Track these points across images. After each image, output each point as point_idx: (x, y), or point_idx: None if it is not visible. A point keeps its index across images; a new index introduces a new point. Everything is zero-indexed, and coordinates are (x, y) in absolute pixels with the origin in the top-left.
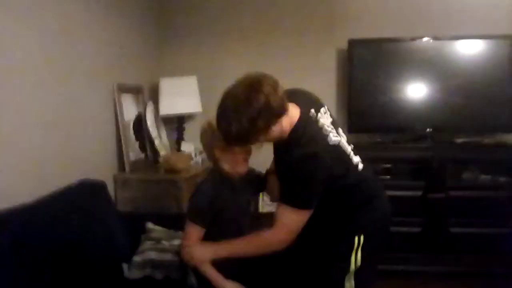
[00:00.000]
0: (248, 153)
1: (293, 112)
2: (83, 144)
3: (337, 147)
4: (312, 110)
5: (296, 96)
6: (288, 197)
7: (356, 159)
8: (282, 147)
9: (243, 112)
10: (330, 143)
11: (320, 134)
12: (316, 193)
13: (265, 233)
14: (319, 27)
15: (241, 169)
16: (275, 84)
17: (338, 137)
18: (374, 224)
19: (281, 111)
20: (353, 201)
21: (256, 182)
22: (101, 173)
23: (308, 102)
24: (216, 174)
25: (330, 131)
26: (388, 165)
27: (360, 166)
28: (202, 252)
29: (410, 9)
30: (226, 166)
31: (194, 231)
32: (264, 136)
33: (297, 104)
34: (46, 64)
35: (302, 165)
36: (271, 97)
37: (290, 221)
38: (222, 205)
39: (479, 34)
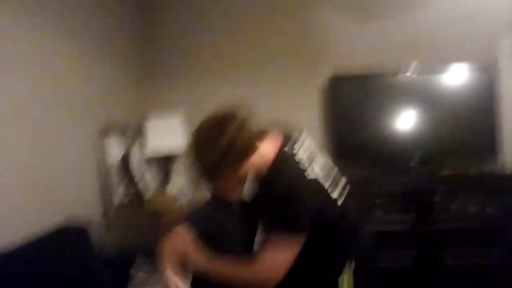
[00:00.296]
0: (240, 178)
1: (269, 148)
2: (67, 187)
3: (316, 182)
4: (295, 134)
5: (275, 125)
6: (274, 225)
7: (335, 194)
8: (261, 183)
9: (206, 152)
10: (308, 177)
11: (298, 168)
12: (302, 217)
13: (250, 262)
14: (303, 63)
15: (233, 195)
16: (244, 122)
17: (323, 157)
18: (357, 254)
19: (249, 150)
20: (334, 234)
21: (253, 214)
22: (85, 216)
23: (289, 129)
24: (214, 199)
25: (314, 156)
26: (376, 199)
27: (340, 200)
28: (195, 252)
29: (392, 41)
30: (219, 193)
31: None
32: (234, 174)
33: (277, 132)
34: (29, 106)
35: (283, 197)
36: (236, 137)
37: (276, 252)
38: (217, 225)
39: (461, 63)
